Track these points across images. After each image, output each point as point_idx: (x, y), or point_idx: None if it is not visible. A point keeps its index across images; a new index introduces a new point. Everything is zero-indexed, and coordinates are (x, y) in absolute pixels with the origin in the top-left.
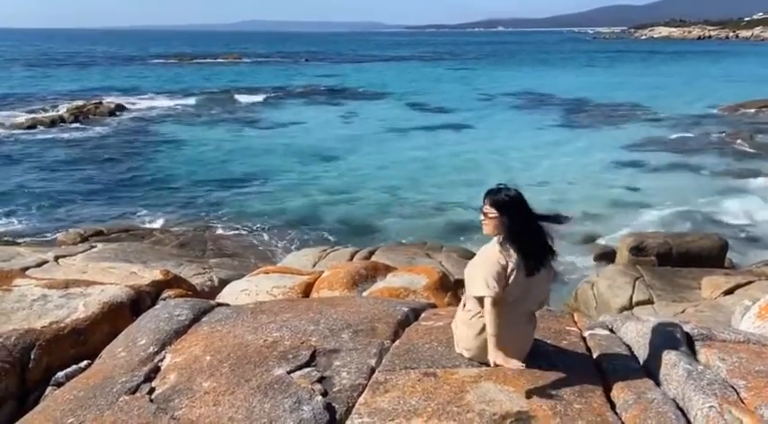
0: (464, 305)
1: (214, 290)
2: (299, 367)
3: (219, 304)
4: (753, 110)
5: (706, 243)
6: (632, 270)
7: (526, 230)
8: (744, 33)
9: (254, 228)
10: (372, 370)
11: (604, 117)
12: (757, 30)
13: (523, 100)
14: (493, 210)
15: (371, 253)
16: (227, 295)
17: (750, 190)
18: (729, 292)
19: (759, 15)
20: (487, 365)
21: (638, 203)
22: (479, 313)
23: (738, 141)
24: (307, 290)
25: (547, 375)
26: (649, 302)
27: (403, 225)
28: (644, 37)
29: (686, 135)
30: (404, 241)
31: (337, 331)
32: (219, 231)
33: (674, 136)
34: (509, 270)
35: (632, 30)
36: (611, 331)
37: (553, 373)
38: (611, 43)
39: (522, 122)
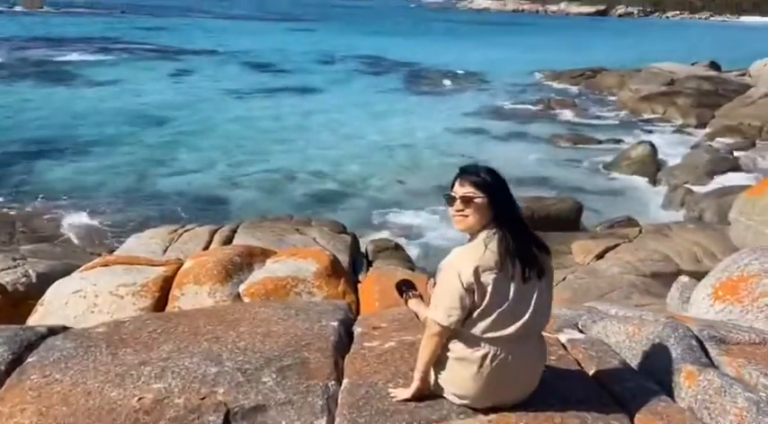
0: None
1: (31, 290)
2: None
3: (52, 331)
4: (572, 78)
5: (564, 206)
6: None
7: (518, 219)
8: (552, 8)
9: (79, 205)
10: None
11: (442, 84)
12: (563, 5)
13: (364, 64)
14: (478, 193)
15: (233, 232)
16: (53, 299)
17: (580, 156)
18: (600, 256)
19: None
20: (486, 411)
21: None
22: (475, 341)
23: (559, 107)
24: (165, 287)
25: (563, 417)
26: None
27: (256, 197)
28: (464, 8)
29: (517, 101)
30: (266, 216)
31: (254, 372)
32: (30, 208)
33: (507, 103)
34: (491, 284)
35: (454, 0)
36: (580, 330)
37: (572, 412)
38: (438, 12)
39: (366, 86)
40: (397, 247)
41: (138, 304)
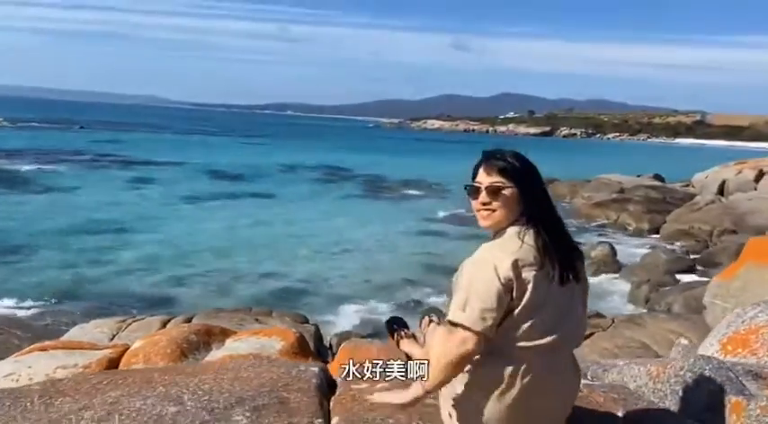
0: None
1: None
2: None
3: None
4: None
5: None
6: None
7: (553, 213)
8: (500, 128)
9: (18, 304)
10: None
11: (401, 192)
12: (511, 126)
13: (322, 173)
14: (506, 182)
15: (188, 321)
16: None
17: None
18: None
19: (510, 114)
20: None
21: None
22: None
23: None
24: (111, 368)
25: None
26: None
27: (209, 293)
28: (419, 128)
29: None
30: (223, 308)
31: (222, 412)
32: None
33: (465, 210)
34: (531, 281)
35: (409, 121)
36: (591, 379)
37: None
38: (394, 131)
39: (326, 194)
40: (363, 338)
41: None
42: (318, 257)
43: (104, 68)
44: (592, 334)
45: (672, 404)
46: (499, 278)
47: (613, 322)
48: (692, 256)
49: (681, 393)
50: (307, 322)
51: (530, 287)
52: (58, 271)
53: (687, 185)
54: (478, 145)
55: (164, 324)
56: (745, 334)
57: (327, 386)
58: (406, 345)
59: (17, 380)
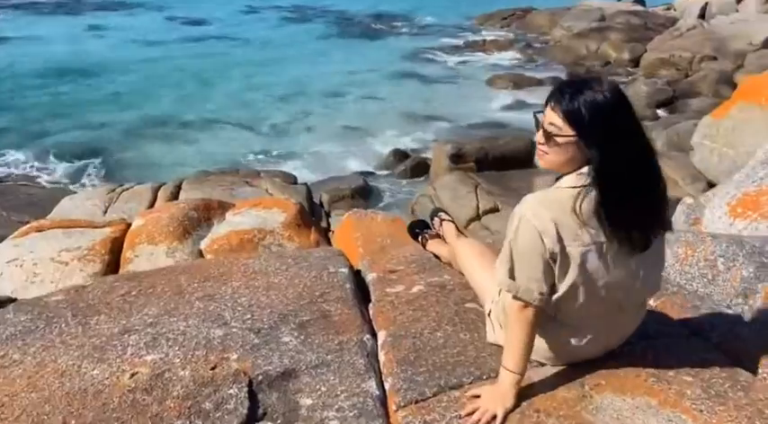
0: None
1: None
2: None
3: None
4: (503, 19)
5: (518, 145)
6: (468, 178)
7: (632, 170)
8: None
9: None
10: (384, 407)
11: (374, 29)
12: None
13: (291, 12)
14: (566, 128)
15: (178, 188)
16: None
17: (521, 96)
18: None
19: None
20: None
21: (426, 114)
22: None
23: (495, 49)
24: (115, 249)
25: (655, 355)
26: (495, 209)
27: (190, 152)
28: None
29: (453, 45)
30: (209, 169)
31: (269, 332)
32: None
33: (442, 46)
34: (578, 259)
35: None
36: None
37: (657, 350)
38: None
39: (295, 34)
40: (354, 195)
41: (87, 270)
42: (294, 105)
43: None
44: None
45: (700, 287)
46: (543, 245)
47: None
48: (672, 88)
49: (710, 277)
50: (296, 181)
51: (576, 264)
52: (33, 124)
53: (669, 8)
54: None
55: (154, 193)
56: (756, 195)
57: (358, 287)
58: (434, 246)
59: (21, 266)
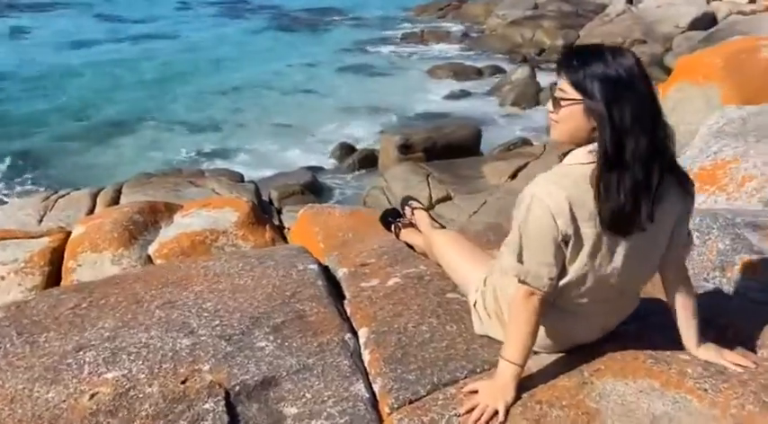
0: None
1: None
2: None
3: None
4: (439, 10)
5: (464, 133)
6: (419, 168)
7: (645, 146)
8: None
9: None
10: (376, 410)
11: (307, 22)
12: None
13: (226, 8)
14: (573, 94)
15: (118, 192)
16: None
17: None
18: (513, 176)
19: None
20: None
21: (369, 106)
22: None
23: (433, 40)
24: (55, 260)
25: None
26: (448, 198)
27: (127, 155)
28: None
29: (391, 36)
30: (150, 171)
31: (241, 338)
32: None
33: (380, 38)
34: (591, 238)
35: None
36: None
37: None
38: None
39: (231, 31)
40: (304, 191)
41: (26, 284)
42: (232, 102)
43: None
44: (527, 164)
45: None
46: (557, 226)
47: (545, 148)
48: None
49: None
50: (242, 179)
51: (587, 247)
52: None
53: None
54: None
55: (93, 199)
56: (712, 170)
57: (329, 281)
58: (407, 235)
59: None
